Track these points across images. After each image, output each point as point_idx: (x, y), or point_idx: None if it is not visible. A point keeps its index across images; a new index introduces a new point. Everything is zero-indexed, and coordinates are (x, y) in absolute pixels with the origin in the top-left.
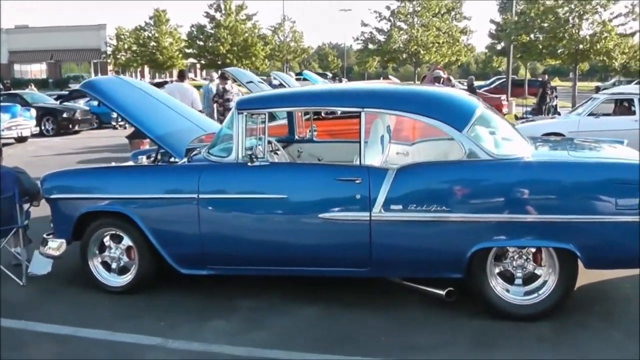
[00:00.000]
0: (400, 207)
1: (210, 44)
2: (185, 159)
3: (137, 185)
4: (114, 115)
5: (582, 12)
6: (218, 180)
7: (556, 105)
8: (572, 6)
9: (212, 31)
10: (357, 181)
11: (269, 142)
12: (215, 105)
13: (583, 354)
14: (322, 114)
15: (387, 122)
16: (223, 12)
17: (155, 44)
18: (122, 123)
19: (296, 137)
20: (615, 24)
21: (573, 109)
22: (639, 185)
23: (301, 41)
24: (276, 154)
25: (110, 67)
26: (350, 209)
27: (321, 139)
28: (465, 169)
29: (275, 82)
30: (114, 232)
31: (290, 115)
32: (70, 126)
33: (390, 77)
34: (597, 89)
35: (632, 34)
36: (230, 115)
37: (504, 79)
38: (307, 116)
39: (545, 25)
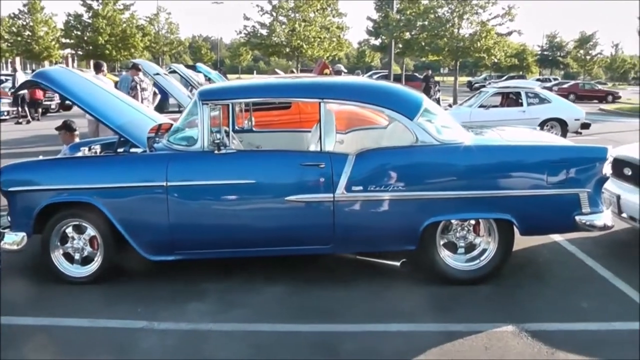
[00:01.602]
0: (361, 187)
1: (89, 34)
2: (146, 148)
3: (104, 174)
4: (3, 109)
5: (462, 13)
6: (186, 169)
7: (439, 98)
8: (452, 7)
9: (90, 21)
10: (321, 165)
11: (225, 132)
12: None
13: (526, 310)
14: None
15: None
16: (100, 0)
17: (30, 34)
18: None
19: (236, 127)
20: (493, 24)
21: (464, 101)
22: (565, 164)
23: (177, 33)
24: (232, 142)
25: None
26: (315, 191)
27: (259, 129)
28: (416, 153)
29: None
30: (76, 222)
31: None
32: None
33: (276, 70)
34: (470, 83)
35: (509, 33)
36: (192, 105)
37: (381, 74)
38: (247, 108)
39: (426, 23)
